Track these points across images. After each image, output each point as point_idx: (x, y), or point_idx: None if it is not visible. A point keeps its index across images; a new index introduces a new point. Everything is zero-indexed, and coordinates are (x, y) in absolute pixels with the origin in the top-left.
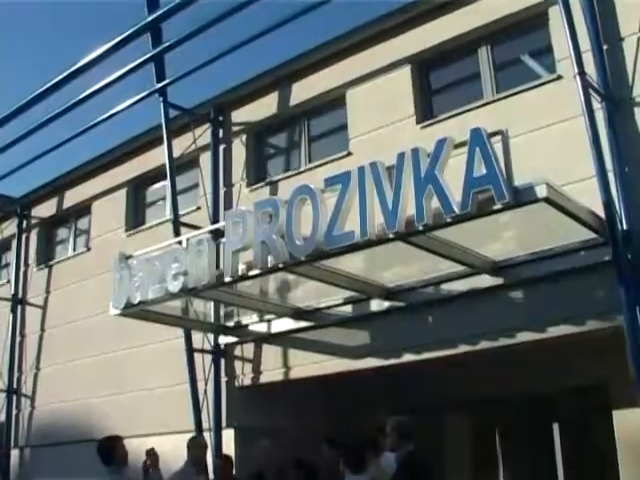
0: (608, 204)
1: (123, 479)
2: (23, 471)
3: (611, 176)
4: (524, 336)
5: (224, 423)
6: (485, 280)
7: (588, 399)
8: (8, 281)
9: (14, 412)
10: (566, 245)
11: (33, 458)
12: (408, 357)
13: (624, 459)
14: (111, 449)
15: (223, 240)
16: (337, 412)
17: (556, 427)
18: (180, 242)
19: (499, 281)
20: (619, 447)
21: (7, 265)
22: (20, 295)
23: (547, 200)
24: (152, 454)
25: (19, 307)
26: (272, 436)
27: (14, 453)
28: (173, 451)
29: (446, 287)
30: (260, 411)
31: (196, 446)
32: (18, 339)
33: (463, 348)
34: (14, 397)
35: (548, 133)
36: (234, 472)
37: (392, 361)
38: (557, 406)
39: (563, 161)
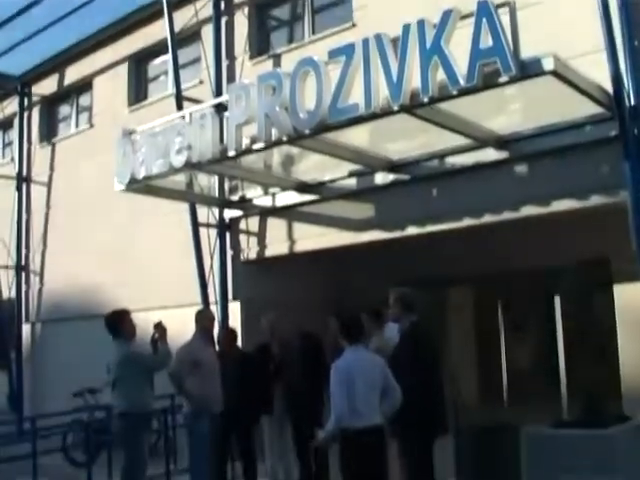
0: (616, 78)
1: (131, 352)
2: (35, 345)
3: (620, 50)
4: (528, 210)
5: (230, 296)
6: (490, 154)
7: (590, 273)
8: (12, 159)
9: (24, 288)
10: (572, 119)
11: (43, 333)
12: (412, 230)
13: (623, 332)
14: (118, 323)
15: (226, 114)
16: (341, 285)
17: (557, 301)
18: (183, 116)
19: (504, 155)
20: (619, 320)
21: (10, 143)
22: (24, 173)
23: (554, 73)
24: (160, 327)
25: (24, 185)
26: (278, 308)
27: (25, 328)
28: (181, 324)
29: (451, 160)
30: (266, 284)
31: (204, 318)
32: (24, 217)
33: (467, 221)
34: (23, 274)
35: (556, 4)
36: (239, 344)
37: (396, 234)
38: (559, 280)
39: (571, 33)
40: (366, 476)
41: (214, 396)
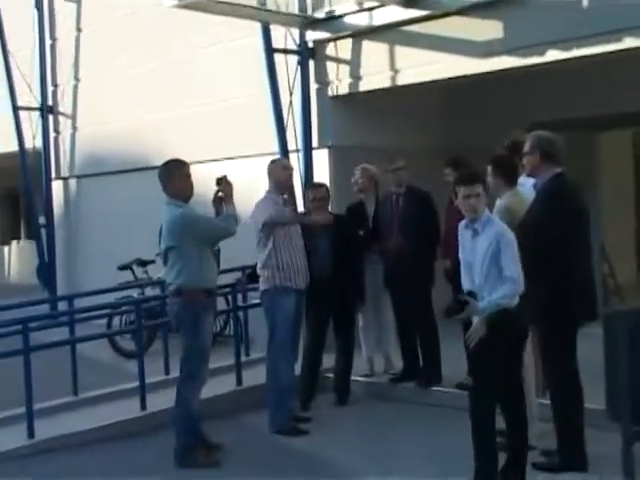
0: None
1: (186, 214)
2: (68, 207)
3: None
4: None
5: (315, 142)
6: None
7: None
8: None
9: (52, 135)
10: None
11: (79, 191)
12: (552, 55)
13: None
14: (171, 177)
15: None
16: (457, 127)
17: None
18: None
19: None
20: None
21: None
22: None
23: None
24: (224, 183)
25: (45, 0)
26: (375, 158)
27: (56, 185)
28: (251, 180)
29: None
30: (360, 126)
31: (279, 168)
32: (48, 43)
33: (628, 42)
34: (50, 117)
35: None
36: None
37: (531, 60)
38: None
39: None
40: (505, 369)
41: (297, 268)
